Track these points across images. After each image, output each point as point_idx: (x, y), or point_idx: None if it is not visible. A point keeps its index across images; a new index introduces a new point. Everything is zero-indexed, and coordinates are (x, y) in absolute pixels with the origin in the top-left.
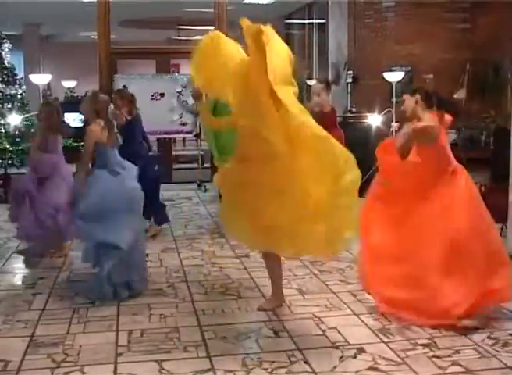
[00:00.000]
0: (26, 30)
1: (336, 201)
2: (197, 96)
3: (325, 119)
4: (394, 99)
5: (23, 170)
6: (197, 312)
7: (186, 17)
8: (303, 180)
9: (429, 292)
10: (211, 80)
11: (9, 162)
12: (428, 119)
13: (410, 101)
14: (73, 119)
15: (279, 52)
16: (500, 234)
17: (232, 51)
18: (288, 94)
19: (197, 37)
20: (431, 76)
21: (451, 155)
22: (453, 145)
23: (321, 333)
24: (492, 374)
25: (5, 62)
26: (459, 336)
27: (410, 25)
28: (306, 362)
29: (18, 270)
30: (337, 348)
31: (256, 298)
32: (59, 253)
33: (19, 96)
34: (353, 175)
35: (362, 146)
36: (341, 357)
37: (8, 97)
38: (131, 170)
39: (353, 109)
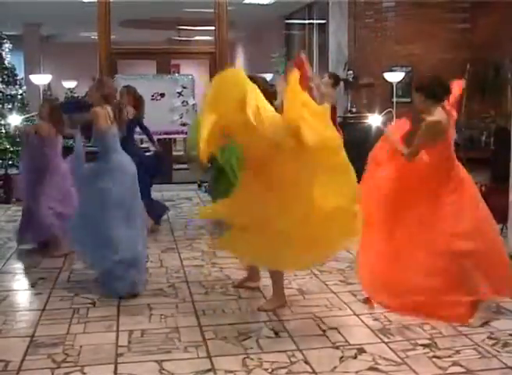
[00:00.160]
0: (27, 30)
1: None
2: None
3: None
4: (394, 99)
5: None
6: (197, 313)
7: (186, 17)
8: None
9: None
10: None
11: (10, 162)
12: (438, 112)
13: (417, 98)
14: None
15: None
16: (500, 235)
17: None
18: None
19: (197, 38)
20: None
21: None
22: (454, 145)
23: (321, 333)
24: (493, 374)
25: (6, 62)
26: (459, 336)
27: (411, 25)
28: (306, 362)
29: (18, 270)
30: (337, 348)
31: (256, 299)
32: (59, 253)
33: (19, 96)
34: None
35: (362, 146)
36: (341, 357)
37: (9, 97)
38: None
39: (354, 109)
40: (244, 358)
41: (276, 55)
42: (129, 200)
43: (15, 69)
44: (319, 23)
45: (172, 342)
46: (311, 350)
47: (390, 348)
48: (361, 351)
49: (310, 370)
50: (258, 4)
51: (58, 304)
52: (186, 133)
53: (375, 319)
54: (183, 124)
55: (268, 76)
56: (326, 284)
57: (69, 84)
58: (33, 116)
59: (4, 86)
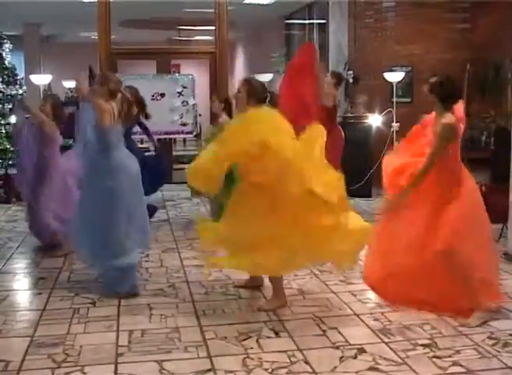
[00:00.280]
0: (27, 30)
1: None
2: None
3: (326, 113)
4: (394, 99)
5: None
6: (197, 313)
7: (186, 17)
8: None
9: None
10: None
11: (10, 162)
12: (449, 116)
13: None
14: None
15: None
16: (500, 235)
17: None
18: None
19: (197, 38)
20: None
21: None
22: None
23: (321, 333)
24: (493, 374)
25: (6, 62)
26: (459, 336)
27: (411, 25)
28: (306, 362)
29: (18, 270)
30: (337, 348)
31: (256, 299)
32: (59, 253)
33: (19, 96)
34: None
35: (362, 146)
36: (341, 357)
37: (9, 97)
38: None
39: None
40: (244, 358)
41: (276, 54)
42: (130, 199)
43: (15, 69)
44: (319, 23)
45: (173, 342)
46: (311, 350)
47: (390, 348)
48: (361, 351)
49: (310, 370)
50: (258, 4)
51: (59, 304)
52: (186, 133)
53: (376, 319)
54: (183, 124)
55: (268, 77)
56: (326, 284)
57: (70, 84)
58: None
59: (4, 86)
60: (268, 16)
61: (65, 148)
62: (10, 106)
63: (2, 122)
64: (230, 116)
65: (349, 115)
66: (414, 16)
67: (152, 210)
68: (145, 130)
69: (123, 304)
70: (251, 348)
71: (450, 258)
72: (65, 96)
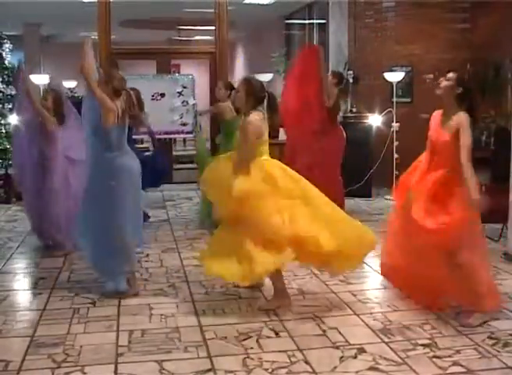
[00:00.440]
0: (27, 30)
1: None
2: None
3: (327, 113)
4: (394, 99)
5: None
6: (197, 313)
7: (186, 17)
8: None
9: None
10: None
11: (10, 162)
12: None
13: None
14: None
15: None
16: (500, 235)
17: None
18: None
19: (197, 38)
20: (431, 76)
21: None
22: None
23: (321, 333)
24: (493, 374)
25: (6, 62)
26: (459, 336)
27: (411, 25)
28: (306, 362)
29: (18, 270)
30: (338, 348)
31: (256, 298)
32: (60, 253)
33: (19, 96)
34: None
35: (362, 146)
36: (341, 357)
37: (9, 97)
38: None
39: (354, 109)
40: (244, 358)
41: (276, 54)
42: (131, 198)
43: (15, 69)
44: (319, 23)
45: (173, 342)
46: (311, 350)
47: (390, 348)
48: (361, 351)
49: (310, 370)
50: (258, 4)
51: (59, 304)
52: (186, 133)
53: (376, 319)
54: (183, 124)
55: (268, 76)
56: (326, 284)
57: (70, 84)
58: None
59: (4, 86)
60: (268, 16)
61: None
62: (10, 106)
63: (2, 122)
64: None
65: (349, 115)
66: (414, 16)
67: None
68: (148, 129)
69: (123, 304)
70: (251, 347)
71: (459, 262)
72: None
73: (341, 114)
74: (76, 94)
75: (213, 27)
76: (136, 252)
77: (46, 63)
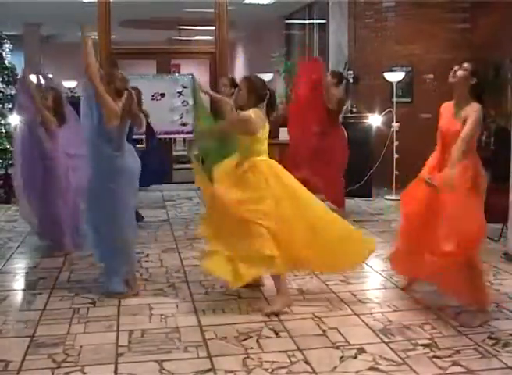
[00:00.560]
0: (27, 30)
1: None
2: None
3: (328, 114)
4: (394, 99)
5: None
6: (197, 313)
7: (186, 17)
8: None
9: None
10: None
11: (10, 162)
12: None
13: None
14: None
15: None
16: (500, 235)
17: None
18: None
19: (197, 38)
20: (431, 76)
21: None
22: None
23: (321, 333)
24: (493, 374)
25: (6, 62)
26: (459, 336)
27: (411, 25)
28: (306, 362)
29: (18, 270)
30: (337, 348)
31: (256, 298)
32: (60, 253)
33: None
34: None
35: (362, 146)
36: (341, 357)
37: (9, 97)
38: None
39: (354, 109)
40: (244, 358)
41: (276, 54)
42: (133, 199)
43: (15, 69)
44: (319, 23)
45: (173, 342)
46: (311, 350)
47: (390, 348)
48: (361, 351)
49: (310, 370)
50: (258, 4)
51: (59, 304)
52: (186, 133)
53: (376, 319)
54: (184, 124)
55: (268, 76)
56: (326, 284)
57: (70, 84)
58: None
59: (4, 86)
60: (268, 16)
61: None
62: (10, 106)
63: (2, 122)
64: None
65: (349, 115)
66: (414, 16)
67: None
68: (149, 129)
69: (123, 304)
70: (251, 347)
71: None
72: (65, 96)
73: (341, 114)
74: (76, 94)
75: (213, 27)
76: (136, 252)
77: (46, 63)
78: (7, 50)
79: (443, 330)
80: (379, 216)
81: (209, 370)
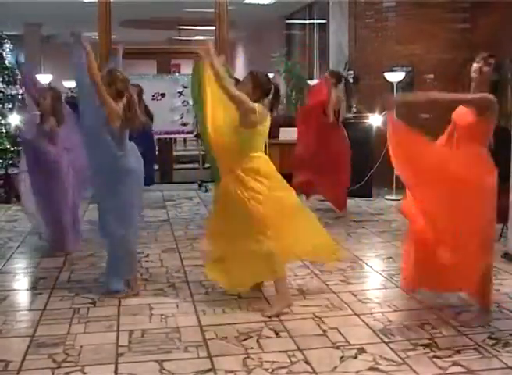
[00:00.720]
0: (27, 30)
1: None
2: None
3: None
4: None
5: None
6: (197, 313)
7: (186, 17)
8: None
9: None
10: None
11: (10, 162)
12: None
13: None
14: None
15: None
16: (501, 235)
17: None
18: None
19: (197, 38)
20: (431, 76)
21: None
22: None
23: (321, 333)
24: (493, 374)
25: (6, 62)
26: (460, 336)
27: (411, 25)
28: (307, 362)
29: (18, 270)
30: (338, 348)
31: (256, 299)
32: (60, 253)
33: (19, 96)
34: None
35: (363, 146)
36: (342, 357)
37: (9, 97)
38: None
39: (354, 109)
40: (245, 358)
41: (277, 54)
42: (137, 200)
43: (15, 69)
44: (319, 23)
45: (173, 342)
46: (311, 350)
47: (391, 348)
48: (362, 351)
49: (310, 370)
50: (259, 4)
51: (59, 304)
52: (186, 133)
53: (376, 319)
54: (184, 124)
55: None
56: (327, 284)
57: (70, 84)
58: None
59: (4, 86)
60: (268, 16)
61: None
62: (10, 106)
63: (3, 122)
64: None
65: (349, 115)
66: (414, 16)
67: None
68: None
69: (123, 304)
70: (251, 347)
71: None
72: (65, 96)
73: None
74: (76, 94)
75: (213, 27)
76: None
77: (46, 63)
78: (7, 50)
79: (443, 330)
80: (379, 216)
81: (209, 370)
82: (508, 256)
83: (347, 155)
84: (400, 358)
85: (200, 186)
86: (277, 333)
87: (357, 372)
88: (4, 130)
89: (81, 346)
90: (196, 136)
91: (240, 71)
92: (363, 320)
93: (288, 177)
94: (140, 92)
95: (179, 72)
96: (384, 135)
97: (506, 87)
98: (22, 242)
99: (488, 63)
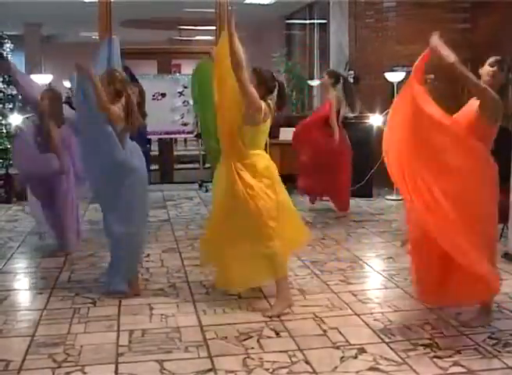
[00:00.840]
0: (28, 30)
1: None
2: None
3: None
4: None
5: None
6: (198, 312)
7: (187, 17)
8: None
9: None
10: None
11: (11, 162)
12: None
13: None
14: None
15: None
16: (501, 235)
17: None
18: None
19: (198, 38)
20: (432, 76)
21: None
22: None
23: (322, 333)
24: None
25: None
26: (460, 336)
27: (412, 25)
28: (307, 362)
29: (19, 270)
30: (338, 348)
31: (257, 298)
32: (61, 253)
33: (20, 96)
34: None
35: (363, 146)
36: (342, 357)
37: (10, 97)
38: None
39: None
40: (245, 358)
41: (277, 54)
42: (141, 200)
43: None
44: (320, 23)
45: (173, 342)
46: (311, 350)
47: (391, 348)
48: (362, 351)
49: (310, 370)
50: (259, 4)
51: (59, 304)
52: (187, 133)
53: (376, 319)
54: (184, 124)
55: None
56: (327, 284)
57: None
58: (33, 116)
59: (4, 86)
60: (268, 16)
61: None
62: (10, 106)
63: (3, 122)
64: None
65: (350, 115)
66: (414, 16)
67: None
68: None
69: (124, 304)
70: (252, 347)
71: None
72: (65, 96)
73: (343, 114)
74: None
75: (214, 27)
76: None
77: (46, 63)
78: (8, 50)
79: (444, 331)
80: (380, 216)
81: (210, 370)
82: (508, 256)
83: (348, 155)
84: (401, 358)
85: (200, 186)
86: (277, 333)
87: (357, 372)
88: (4, 130)
89: (81, 346)
90: (196, 136)
91: None
92: (363, 320)
93: (288, 178)
94: (141, 91)
95: (179, 72)
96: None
97: (507, 87)
98: (22, 242)
99: (502, 68)
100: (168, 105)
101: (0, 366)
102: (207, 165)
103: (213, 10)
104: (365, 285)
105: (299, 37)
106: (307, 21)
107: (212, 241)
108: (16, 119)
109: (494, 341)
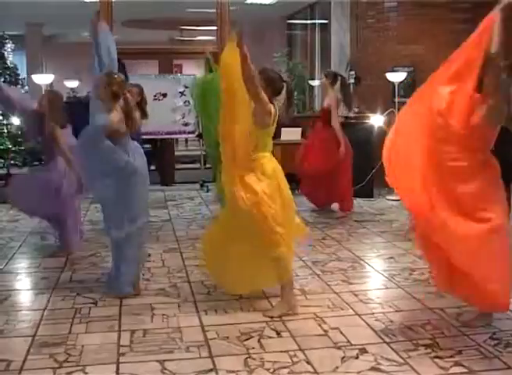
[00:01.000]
0: (29, 30)
1: None
2: None
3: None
4: (396, 99)
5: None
6: (199, 313)
7: (188, 17)
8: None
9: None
10: None
11: (12, 162)
12: None
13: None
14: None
15: None
16: None
17: None
18: None
19: (199, 38)
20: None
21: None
22: None
23: (323, 333)
24: None
25: (8, 62)
26: (461, 336)
27: (413, 25)
28: (308, 362)
29: (20, 270)
30: (339, 348)
31: (258, 299)
32: (62, 253)
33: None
34: None
35: (364, 147)
36: (343, 357)
37: None
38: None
39: (356, 109)
40: (246, 358)
41: (278, 54)
42: (143, 200)
43: (17, 69)
44: (321, 23)
45: (174, 342)
46: (312, 350)
47: (392, 349)
48: (363, 351)
49: (311, 370)
50: (260, 4)
51: (60, 304)
52: (188, 133)
53: (377, 320)
54: (185, 124)
55: None
56: (328, 284)
57: (72, 84)
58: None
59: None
60: (270, 16)
61: None
62: None
63: (4, 122)
64: None
65: (350, 115)
66: (415, 16)
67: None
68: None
69: (125, 304)
70: (253, 348)
71: None
72: (66, 96)
73: (340, 113)
74: (78, 94)
75: (215, 27)
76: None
77: (48, 63)
78: (9, 50)
79: (445, 331)
80: (381, 216)
81: (211, 370)
82: None
83: (349, 157)
84: (402, 358)
85: (201, 186)
86: (278, 334)
87: (358, 372)
88: (5, 130)
89: (83, 346)
90: (197, 136)
91: None
92: (364, 320)
93: (290, 176)
94: (141, 92)
95: (181, 72)
96: (385, 135)
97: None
98: (23, 242)
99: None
100: (169, 105)
101: (1, 366)
102: (208, 165)
103: (214, 10)
104: (366, 285)
105: (300, 37)
106: (309, 21)
107: (217, 242)
108: (16, 120)
109: (495, 342)
